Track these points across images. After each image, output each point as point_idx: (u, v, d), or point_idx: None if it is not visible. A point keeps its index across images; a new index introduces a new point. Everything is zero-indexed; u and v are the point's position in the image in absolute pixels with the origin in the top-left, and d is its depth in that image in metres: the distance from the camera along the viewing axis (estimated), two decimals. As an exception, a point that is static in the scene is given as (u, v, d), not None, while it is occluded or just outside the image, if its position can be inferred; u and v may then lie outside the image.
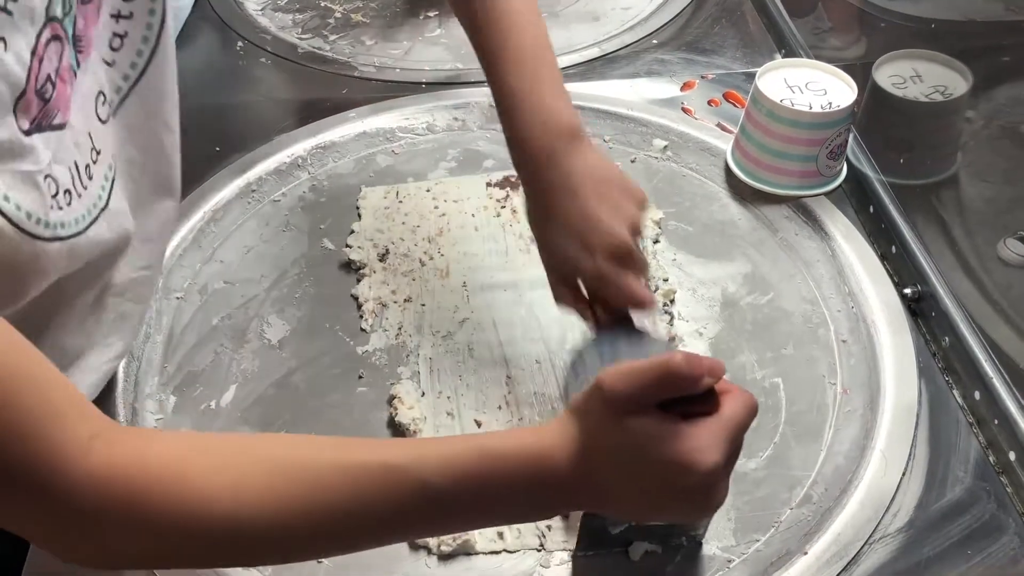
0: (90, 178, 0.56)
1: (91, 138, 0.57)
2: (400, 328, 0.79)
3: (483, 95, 1.00)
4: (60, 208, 0.53)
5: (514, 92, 0.68)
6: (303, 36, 1.13)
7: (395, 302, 0.81)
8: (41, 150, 0.50)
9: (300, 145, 0.95)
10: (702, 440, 0.49)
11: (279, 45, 1.10)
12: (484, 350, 0.77)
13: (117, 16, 0.60)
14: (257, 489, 0.48)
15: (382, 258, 0.85)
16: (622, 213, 0.66)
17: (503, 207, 0.90)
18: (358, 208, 0.90)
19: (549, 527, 0.65)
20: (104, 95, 0.59)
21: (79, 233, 0.55)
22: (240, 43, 1.11)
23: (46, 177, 0.51)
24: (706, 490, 0.51)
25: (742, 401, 0.52)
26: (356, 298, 0.82)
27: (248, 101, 1.03)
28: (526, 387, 0.75)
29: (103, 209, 0.58)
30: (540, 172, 0.68)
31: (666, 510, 0.55)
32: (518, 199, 0.90)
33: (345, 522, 0.49)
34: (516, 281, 0.83)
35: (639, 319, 0.67)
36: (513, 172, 0.91)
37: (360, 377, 0.76)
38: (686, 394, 0.50)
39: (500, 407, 0.73)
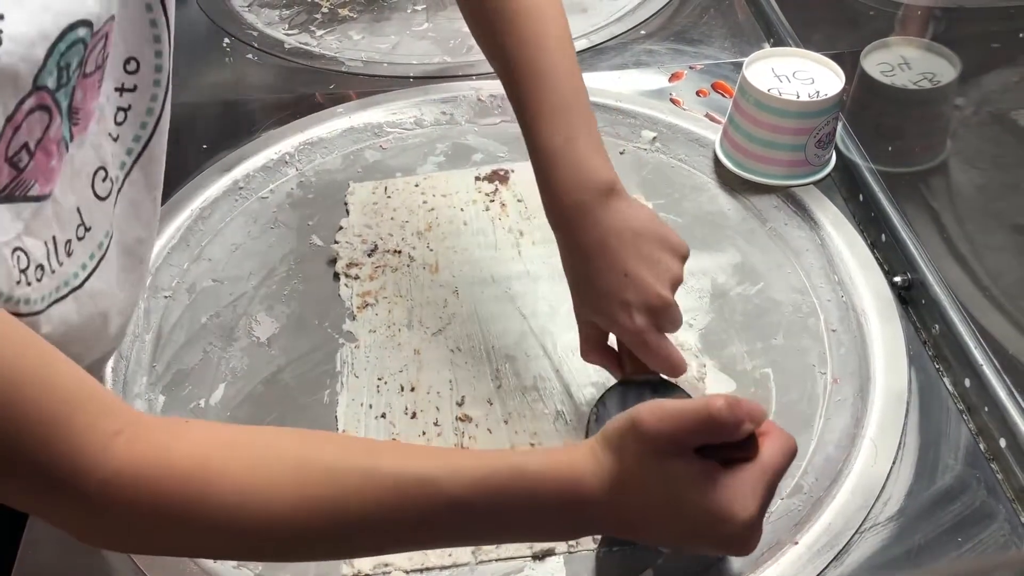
0: (68, 255, 0.53)
1: (80, 214, 0.54)
2: (389, 324, 0.79)
3: (471, 89, 1.00)
4: (28, 284, 0.49)
5: (549, 147, 0.66)
6: (290, 31, 1.12)
7: (384, 298, 0.81)
8: (8, 221, 0.47)
9: (287, 141, 0.95)
10: (739, 490, 0.49)
11: (266, 41, 1.10)
12: (473, 345, 0.77)
13: (121, 90, 0.56)
14: (287, 492, 0.47)
15: (371, 254, 0.84)
16: (661, 268, 0.64)
17: (492, 201, 0.89)
18: (346, 204, 0.90)
19: None
20: (106, 171, 0.56)
21: (38, 312, 0.51)
22: (227, 39, 1.10)
23: (15, 250, 0.47)
24: (742, 538, 0.51)
25: (780, 445, 0.52)
26: (344, 295, 0.82)
27: (235, 97, 1.02)
28: (515, 382, 0.74)
29: (75, 288, 0.55)
30: (575, 228, 0.65)
31: (698, 549, 0.56)
32: (507, 193, 0.90)
33: (375, 530, 0.49)
34: (506, 275, 0.82)
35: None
36: (501, 166, 0.92)
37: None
38: (726, 440, 0.49)
39: (490, 402, 0.73)
